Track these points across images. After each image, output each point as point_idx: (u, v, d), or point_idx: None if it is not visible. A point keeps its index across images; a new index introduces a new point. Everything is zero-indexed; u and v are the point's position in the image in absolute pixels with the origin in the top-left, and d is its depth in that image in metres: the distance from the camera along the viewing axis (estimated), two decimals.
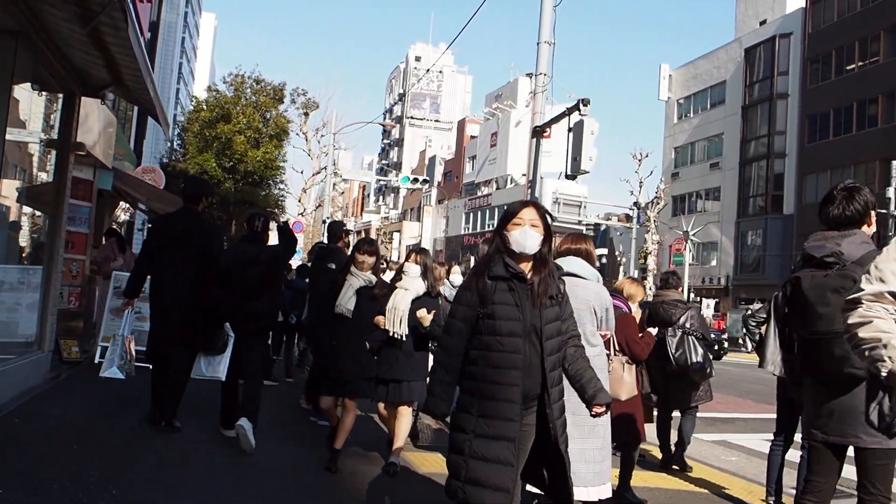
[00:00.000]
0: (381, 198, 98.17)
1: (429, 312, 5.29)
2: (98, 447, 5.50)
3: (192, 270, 6.04)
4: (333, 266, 7.00)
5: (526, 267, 3.21)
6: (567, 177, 11.58)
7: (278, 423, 7.18)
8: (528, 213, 3.21)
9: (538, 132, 12.43)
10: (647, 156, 40.56)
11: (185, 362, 6.09)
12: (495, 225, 3.40)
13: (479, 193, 65.07)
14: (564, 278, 4.19)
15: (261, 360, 6.51)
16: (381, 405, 5.97)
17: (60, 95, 7.88)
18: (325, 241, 9.56)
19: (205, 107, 25.69)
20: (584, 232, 46.51)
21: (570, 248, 4.45)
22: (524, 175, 60.03)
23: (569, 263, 4.27)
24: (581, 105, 10.73)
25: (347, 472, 5.45)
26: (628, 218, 45.36)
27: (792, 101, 43.56)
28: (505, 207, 3.56)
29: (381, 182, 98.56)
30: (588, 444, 4.00)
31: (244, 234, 6.60)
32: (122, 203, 14.64)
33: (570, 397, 3.30)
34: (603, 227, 44.27)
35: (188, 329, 6.03)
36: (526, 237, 3.16)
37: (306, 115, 30.26)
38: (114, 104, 12.05)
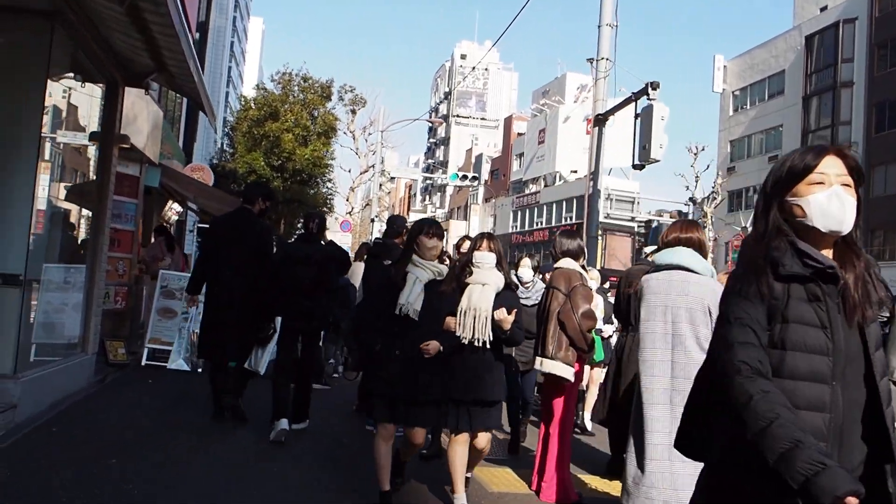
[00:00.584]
0: (427, 197, 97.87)
1: (510, 312, 4.26)
2: (143, 453, 5.03)
3: (246, 269, 6.17)
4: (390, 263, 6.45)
5: (829, 256, 2.01)
6: (634, 166, 10.84)
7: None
8: (833, 165, 1.99)
9: (600, 120, 11.73)
10: (703, 149, 39.28)
11: (241, 358, 6.42)
12: (769, 185, 2.09)
13: (527, 191, 64.23)
14: (673, 272, 3.61)
15: (313, 361, 6.65)
16: (448, 434, 4.57)
17: (102, 86, 7.49)
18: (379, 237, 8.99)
19: (253, 105, 25.53)
20: (636, 228, 45.42)
21: (680, 236, 3.82)
22: (573, 172, 59.16)
23: (678, 255, 3.69)
24: (650, 89, 9.98)
25: None
26: (680, 214, 43.99)
27: (857, 89, 41.68)
28: (610, 194, 2.91)
29: (428, 181, 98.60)
30: None
31: (301, 233, 6.79)
32: (170, 203, 14.35)
33: None
34: (655, 224, 43.07)
35: (243, 327, 6.22)
36: (843, 204, 1.96)
37: (353, 112, 29.96)
38: (160, 99, 11.73)
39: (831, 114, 42.57)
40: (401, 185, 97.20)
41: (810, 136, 43.92)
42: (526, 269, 6.55)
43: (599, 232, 44.97)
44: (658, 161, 10.30)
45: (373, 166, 29.64)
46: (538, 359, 4.96)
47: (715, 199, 39.88)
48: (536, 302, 5.76)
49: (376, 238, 6.95)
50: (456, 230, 73.92)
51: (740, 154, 51.55)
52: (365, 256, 7.94)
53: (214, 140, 47.14)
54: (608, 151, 42.07)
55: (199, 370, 8.80)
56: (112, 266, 8.94)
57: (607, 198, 38.33)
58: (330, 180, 27.15)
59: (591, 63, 11.68)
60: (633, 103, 10.67)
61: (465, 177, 28.89)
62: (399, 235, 6.71)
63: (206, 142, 46.24)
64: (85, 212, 8.38)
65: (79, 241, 8.04)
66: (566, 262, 5.05)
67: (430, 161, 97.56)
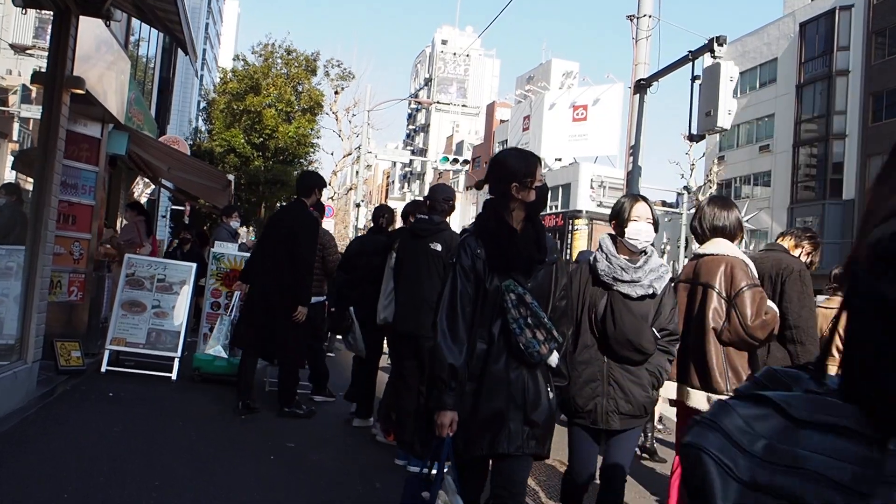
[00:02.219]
0: (406, 185, 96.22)
1: None
2: None
3: (283, 267, 6.10)
4: (440, 248, 5.05)
5: None
6: (691, 137, 9.28)
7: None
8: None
9: (643, 86, 10.14)
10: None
11: (290, 350, 6.23)
12: None
13: None
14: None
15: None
16: None
17: (50, 14, 5.74)
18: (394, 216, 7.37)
19: (232, 77, 23.57)
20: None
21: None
22: (558, 160, 57.96)
23: (716, 247, 3.44)
24: (715, 44, 8.41)
25: None
26: (664, 203, 42.84)
27: (853, 77, 40.81)
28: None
29: (406, 169, 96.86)
30: None
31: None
32: (140, 178, 12.49)
33: None
34: None
35: (280, 325, 6.10)
36: None
37: (336, 93, 28.06)
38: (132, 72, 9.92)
39: (826, 103, 41.63)
40: (379, 173, 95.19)
41: (803, 125, 43.04)
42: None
43: (585, 221, 43.66)
44: (725, 130, 8.77)
45: (358, 148, 27.79)
46: (688, 390, 3.37)
47: (711, 187, 38.67)
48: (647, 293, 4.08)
49: (419, 215, 5.26)
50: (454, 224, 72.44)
51: (730, 143, 50.62)
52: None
53: (189, 120, 44.77)
54: (590, 142, 40.99)
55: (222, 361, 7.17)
56: (65, 248, 7.20)
57: (600, 185, 36.94)
58: (317, 160, 25.29)
59: (632, 20, 10.07)
60: (691, 62, 9.06)
61: (455, 160, 27.25)
62: (447, 212, 5.36)
63: (181, 122, 43.90)
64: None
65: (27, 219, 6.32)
66: (720, 246, 3.45)
67: (409, 148, 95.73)
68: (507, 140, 65.81)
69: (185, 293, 7.61)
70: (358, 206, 26.88)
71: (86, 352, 7.53)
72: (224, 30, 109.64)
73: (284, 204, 6.87)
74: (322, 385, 7.21)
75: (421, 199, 7.93)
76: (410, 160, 45.78)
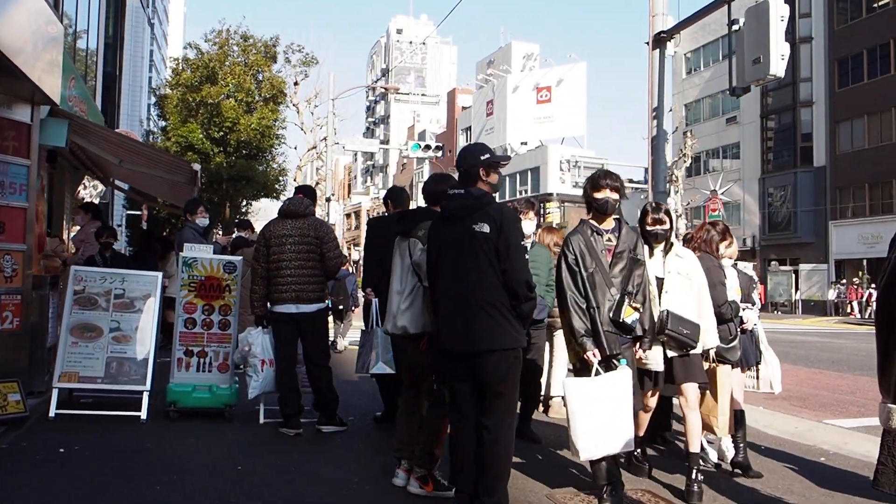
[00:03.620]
0: (368, 178, 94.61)
1: None
2: None
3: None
4: (487, 229, 3.84)
5: None
6: (732, 91, 8.04)
7: None
8: None
9: (661, 40, 8.90)
10: (670, 111, 37.21)
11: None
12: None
13: None
14: None
15: None
16: None
17: None
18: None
19: (184, 66, 21.75)
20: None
21: None
22: (523, 143, 56.98)
23: None
24: None
25: None
26: (630, 181, 42.11)
27: (816, 44, 40.56)
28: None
29: (369, 163, 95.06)
30: None
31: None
32: (86, 179, 10.84)
33: None
34: None
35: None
36: None
37: (296, 84, 26.37)
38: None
39: (791, 70, 41.21)
40: (340, 168, 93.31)
41: (769, 94, 42.61)
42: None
43: (557, 204, 42.79)
44: (779, 77, 7.56)
45: (324, 139, 26.19)
46: None
47: (686, 161, 37.93)
48: None
49: (453, 190, 3.97)
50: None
51: (696, 117, 50.17)
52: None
53: (140, 121, 42.36)
54: (556, 124, 40.08)
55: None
56: None
57: (575, 164, 35.87)
58: (282, 153, 23.61)
59: None
60: (727, 5, 7.80)
61: (427, 146, 25.83)
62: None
63: (131, 119, 41.54)
64: None
65: None
66: None
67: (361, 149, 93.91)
68: (470, 127, 64.67)
69: (151, 309, 6.15)
70: (328, 199, 25.34)
71: (30, 391, 6.05)
72: (171, 29, 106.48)
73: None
74: (332, 411, 5.82)
75: (375, 198, 6.87)
76: (380, 148, 44.19)
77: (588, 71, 58.59)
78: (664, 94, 8.91)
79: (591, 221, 4.34)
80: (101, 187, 12.12)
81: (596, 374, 4.07)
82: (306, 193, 5.99)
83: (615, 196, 4.27)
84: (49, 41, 6.08)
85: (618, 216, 4.38)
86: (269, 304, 5.75)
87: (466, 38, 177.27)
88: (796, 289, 39.19)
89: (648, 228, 4.64)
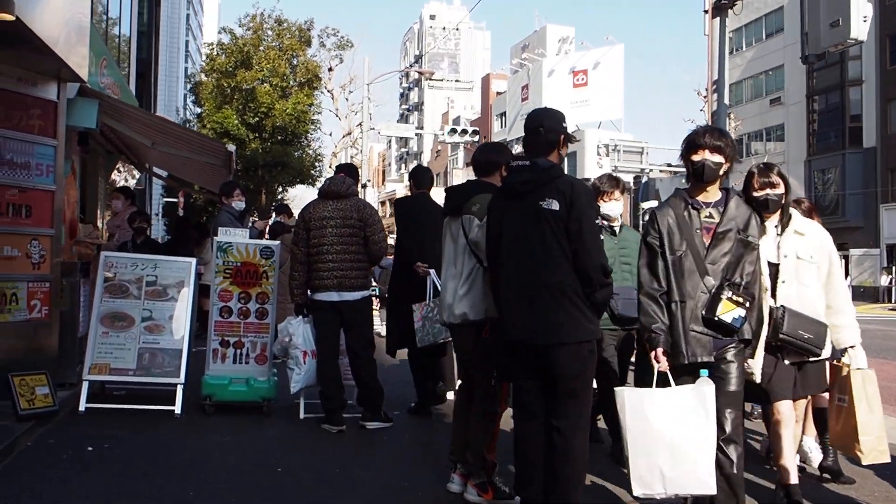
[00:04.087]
0: (402, 166, 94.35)
1: None
2: None
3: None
4: (556, 206, 3.35)
5: None
6: (805, 59, 7.42)
7: None
8: None
9: (722, 7, 8.27)
10: (730, 84, 36.04)
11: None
12: None
13: (513, 151, 61.43)
14: None
15: None
16: None
17: None
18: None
19: (219, 51, 21.49)
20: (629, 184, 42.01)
21: None
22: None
23: None
24: None
25: None
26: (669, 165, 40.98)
27: None
28: None
29: (403, 150, 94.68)
30: None
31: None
32: (121, 164, 10.58)
33: None
34: (645, 179, 39.90)
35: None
36: None
37: (330, 70, 25.97)
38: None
39: None
40: (374, 156, 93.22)
41: (816, 74, 41.21)
42: None
43: None
44: (861, 41, 6.92)
45: (359, 125, 25.82)
46: None
47: None
48: None
49: (516, 162, 3.50)
50: (437, 196, 70.66)
51: (738, 99, 48.71)
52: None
53: (176, 108, 42.52)
54: (592, 108, 39.27)
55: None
56: (19, 249, 5.39)
57: (614, 148, 34.99)
58: (317, 139, 23.27)
59: None
60: None
61: (464, 131, 25.27)
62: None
63: (168, 108, 41.67)
64: None
65: None
66: None
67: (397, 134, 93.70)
68: (505, 112, 63.95)
69: (185, 297, 5.80)
70: (364, 186, 24.99)
71: (60, 382, 5.76)
72: (205, 20, 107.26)
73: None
74: (377, 406, 5.41)
75: (421, 167, 6.64)
76: (416, 133, 43.88)
77: (625, 53, 57.48)
78: (724, 66, 8.28)
79: (686, 192, 3.52)
80: (137, 174, 11.85)
81: (662, 385, 3.26)
82: (348, 172, 5.57)
83: (717, 159, 3.34)
84: (75, 15, 5.72)
85: (726, 186, 3.55)
86: (309, 292, 5.36)
87: (500, 23, 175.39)
88: (846, 274, 37.96)
89: (756, 195, 3.64)
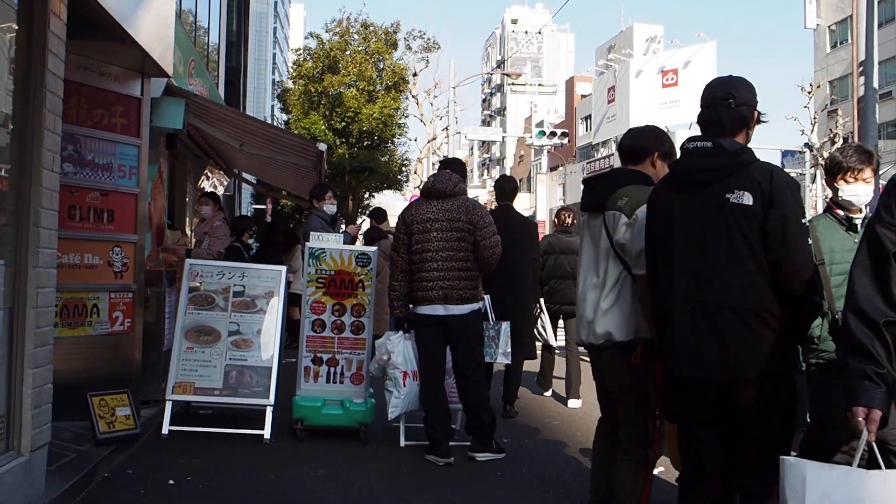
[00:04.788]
0: (485, 171, 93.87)
1: None
2: None
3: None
4: (749, 200, 2.60)
5: None
6: None
7: None
8: None
9: None
10: (818, 87, 33.94)
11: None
12: None
13: (598, 155, 60.02)
14: None
15: None
16: None
17: None
18: None
19: (306, 56, 21.39)
20: None
21: None
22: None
23: None
24: None
25: None
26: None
27: None
28: None
29: (485, 156, 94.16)
30: None
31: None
32: (209, 170, 10.32)
33: None
34: None
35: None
36: None
37: (415, 75, 25.56)
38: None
39: None
40: None
41: None
42: None
43: None
44: None
45: (445, 129, 25.33)
46: None
47: (834, 143, 34.51)
48: None
49: (695, 144, 2.71)
50: (521, 203, 69.74)
51: (842, 94, 45.83)
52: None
53: (264, 118, 43.25)
54: (682, 109, 37.50)
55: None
56: (100, 257, 4.98)
57: None
58: (404, 143, 22.83)
59: None
60: None
61: (552, 133, 24.47)
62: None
63: (257, 113, 42.36)
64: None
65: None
66: None
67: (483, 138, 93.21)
68: (590, 115, 62.49)
69: (275, 309, 5.27)
70: None
71: (145, 399, 5.33)
72: (292, 33, 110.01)
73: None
74: (488, 436, 4.72)
75: (491, 192, 6.42)
76: (503, 137, 43.33)
77: (718, 50, 55.11)
78: (873, 44, 7.22)
79: None
80: (225, 179, 11.61)
81: (868, 462, 2.14)
82: (454, 168, 4.90)
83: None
84: (158, 5, 5.30)
85: None
86: (411, 305, 4.73)
87: (584, 25, 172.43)
88: None
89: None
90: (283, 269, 5.44)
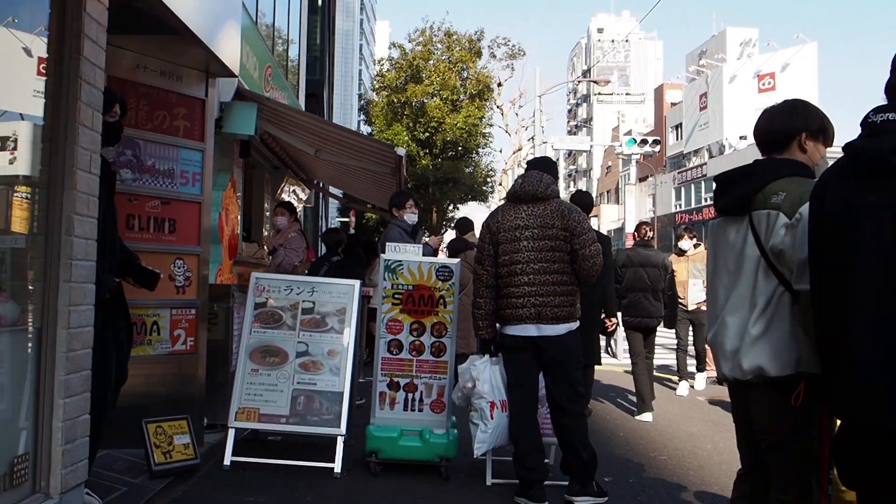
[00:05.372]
0: (571, 183, 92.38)
1: None
2: None
3: None
4: None
5: None
6: None
7: None
8: None
9: None
10: None
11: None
12: None
13: (689, 164, 57.87)
14: None
15: None
16: None
17: None
18: None
19: (389, 67, 21.20)
20: None
21: None
22: (742, 138, 52.14)
23: None
24: None
25: None
26: None
27: None
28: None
29: (571, 167, 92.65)
30: None
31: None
32: (287, 181, 10.04)
33: None
34: None
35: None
36: None
37: (499, 85, 25.00)
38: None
39: None
40: None
41: None
42: None
43: None
44: None
45: (531, 139, 24.65)
46: None
47: None
48: None
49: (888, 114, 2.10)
50: (608, 215, 68.09)
51: None
52: None
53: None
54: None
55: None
56: (160, 270, 4.58)
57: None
58: (489, 153, 22.31)
59: None
60: None
61: (644, 141, 23.33)
62: None
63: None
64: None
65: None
66: None
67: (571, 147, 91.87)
68: (681, 123, 60.47)
69: (348, 328, 4.76)
70: None
71: (212, 423, 4.93)
72: (377, 50, 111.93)
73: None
74: (589, 477, 4.05)
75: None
76: (591, 146, 42.39)
77: (819, 52, 52.23)
78: None
79: None
80: (306, 191, 11.34)
81: None
82: (545, 168, 4.27)
83: None
84: (224, 2, 4.93)
85: None
86: (499, 325, 4.13)
87: (673, 31, 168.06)
88: None
89: None
90: (357, 283, 4.93)
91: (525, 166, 4.67)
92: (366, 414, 4.72)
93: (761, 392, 2.42)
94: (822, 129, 2.60)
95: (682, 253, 8.20)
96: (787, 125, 2.59)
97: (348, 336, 4.75)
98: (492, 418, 4.04)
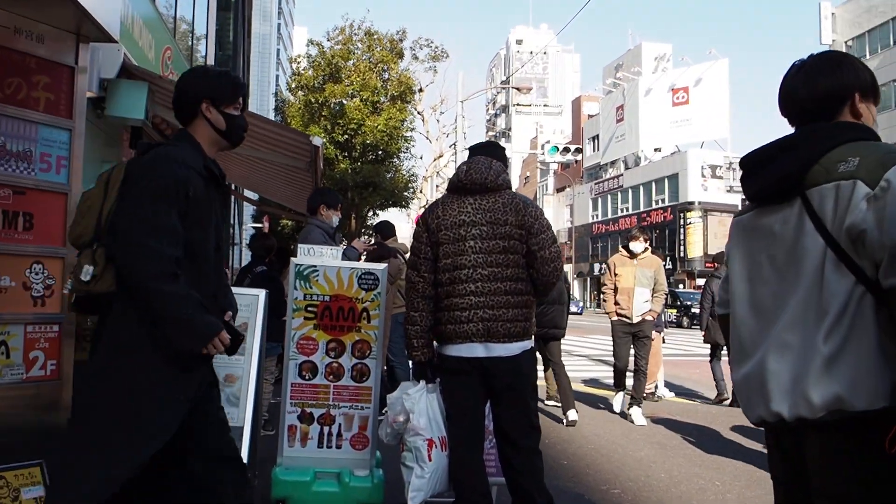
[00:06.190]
0: None
1: None
2: None
3: None
4: None
5: None
6: None
7: None
8: None
9: None
10: None
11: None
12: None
13: (606, 176, 58.93)
14: None
15: None
16: None
17: None
18: None
19: (307, 65, 20.21)
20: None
21: None
22: (657, 150, 53.39)
23: None
24: None
25: None
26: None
27: None
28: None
29: None
30: None
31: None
32: None
33: None
34: None
35: None
36: None
37: (420, 91, 24.38)
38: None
39: None
40: None
41: None
42: None
43: (699, 213, 39.40)
44: None
45: (452, 145, 24.11)
46: None
47: None
48: None
49: None
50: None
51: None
52: None
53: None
54: (693, 127, 36.98)
55: None
56: (11, 277, 3.66)
57: (728, 167, 31.95)
58: (409, 159, 21.53)
59: None
60: None
61: (566, 149, 23.37)
62: None
63: None
64: None
65: None
66: None
67: None
68: (598, 135, 61.50)
69: (251, 350, 3.92)
70: None
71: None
72: (294, 54, 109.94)
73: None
74: None
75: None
76: (514, 154, 42.33)
77: (730, 68, 54.04)
78: None
79: None
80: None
81: None
82: (492, 153, 3.55)
83: None
84: None
85: None
86: (437, 343, 3.38)
87: (589, 46, 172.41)
88: None
89: None
90: (262, 293, 4.09)
91: (445, 176, 3.98)
92: (274, 446, 3.88)
93: (833, 436, 1.74)
94: (874, 85, 2.00)
95: (632, 256, 7.18)
96: (836, 84, 1.95)
97: (252, 357, 3.90)
98: (430, 460, 3.27)
